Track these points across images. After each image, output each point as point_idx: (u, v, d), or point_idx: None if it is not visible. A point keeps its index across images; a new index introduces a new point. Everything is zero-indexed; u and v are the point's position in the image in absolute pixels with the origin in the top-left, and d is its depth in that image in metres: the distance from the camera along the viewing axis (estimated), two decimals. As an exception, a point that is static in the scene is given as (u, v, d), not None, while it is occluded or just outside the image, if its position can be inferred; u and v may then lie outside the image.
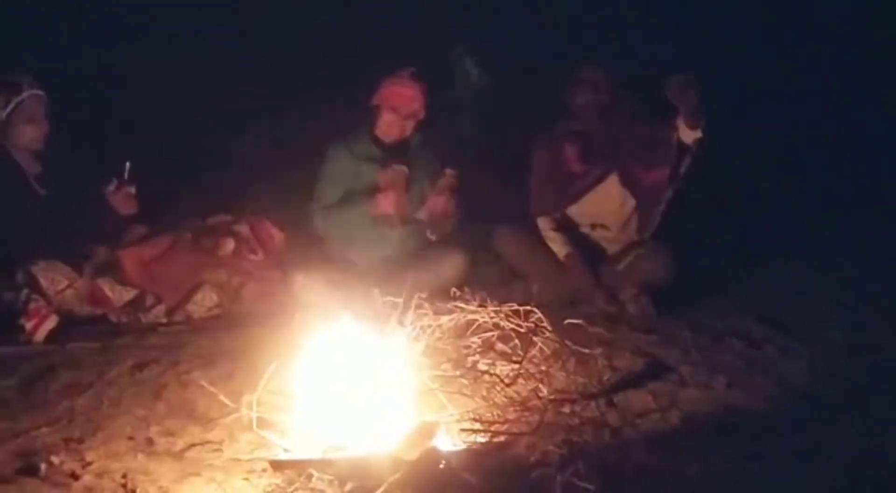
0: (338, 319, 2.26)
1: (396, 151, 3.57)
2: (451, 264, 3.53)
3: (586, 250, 3.61)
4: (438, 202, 3.44)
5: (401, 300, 2.28)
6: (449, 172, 3.44)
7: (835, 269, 3.92)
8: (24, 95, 3.33)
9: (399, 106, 3.51)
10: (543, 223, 3.65)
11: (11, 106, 3.32)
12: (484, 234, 3.67)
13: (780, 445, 2.16)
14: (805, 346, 2.94)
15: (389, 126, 3.54)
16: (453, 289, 2.51)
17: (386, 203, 3.44)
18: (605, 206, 3.62)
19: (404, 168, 3.45)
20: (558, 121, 3.71)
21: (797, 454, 2.12)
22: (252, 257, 3.71)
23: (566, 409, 2.28)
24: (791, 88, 4.96)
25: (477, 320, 2.35)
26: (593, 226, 3.68)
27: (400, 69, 3.54)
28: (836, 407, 2.41)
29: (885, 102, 4.84)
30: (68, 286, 3.30)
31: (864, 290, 3.64)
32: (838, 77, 5.02)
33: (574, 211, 3.67)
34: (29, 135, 3.37)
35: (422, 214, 3.49)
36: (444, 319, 2.31)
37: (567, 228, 3.65)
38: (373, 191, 3.49)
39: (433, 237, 3.54)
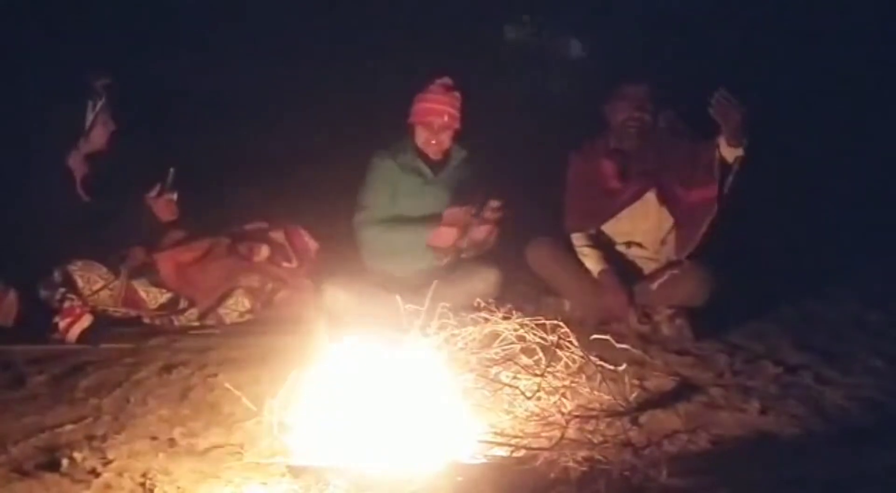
0: (364, 330, 2.26)
1: (441, 167, 3.56)
2: (484, 279, 3.51)
3: (621, 268, 3.55)
4: (481, 233, 3.44)
5: (425, 310, 2.26)
6: (493, 204, 3.41)
7: (878, 295, 3.79)
8: (105, 98, 3.39)
9: (431, 121, 3.52)
10: (578, 240, 3.60)
11: (97, 110, 3.38)
12: (518, 249, 3.64)
13: (811, 473, 2.08)
14: (842, 373, 2.84)
15: (426, 142, 3.56)
16: (478, 300, 2.48)
17: (446, 239, 3.45)
18: (642, 224, 3.56)
19: (472, 210, 3.44)
20: (597, 136, 3.67)
21: (829, 484, 2.03)
22: (286, 264, 3.74)
23: (589, 426, 2.22)
24: (845, 110, 4.86)
25: (501, 332, 2.31)
26: (629, 244, 3.62)
27: (432, 82, 3.54)
28: (872, 437, 2.32)
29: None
30: (104, 287, 3.36)
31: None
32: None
33: (609, 228, 3.62)
34: (101, 138, 3.43)
35: (464, 244, 3.50)
36: (468, 329, 2.27)
37: (602, 245, 3.60)
38: (429, 219, 3.50)
39: (467, 257, 3.55)
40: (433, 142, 3.55)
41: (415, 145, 3.60)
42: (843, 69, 4.93)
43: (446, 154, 3.61)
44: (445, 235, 3.45)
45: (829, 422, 2.44)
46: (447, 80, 3.54)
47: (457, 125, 3.54)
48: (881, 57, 4.88)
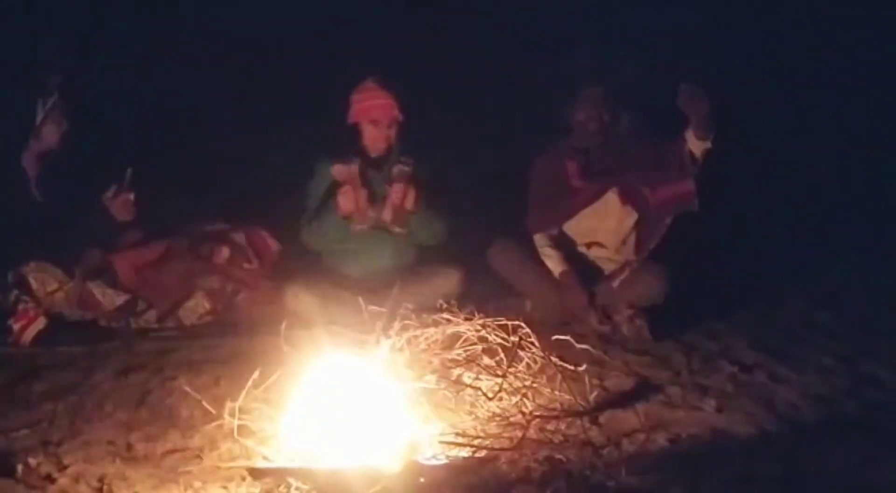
0: (325, 331, 2.25)
1: (380, 164, 3.56)
2: (446, 279, 3.51)
3: (582, 268, 3.59)
4: (396, 194, 3.43)
5: (386, 311, 2.27)
6: (402, 162, 3.43)
7: (827, 295, 3.89)
8: (56, 97, 3.33)
9: (378, 118, 3.50)
10: (540, 240, 3.63)
11: (48, 108, 3.32)
12: (480, 249, 3.66)
13: (765, 470, 2.13)
14: (795, 372, 2.90)
15: (375, 140, 3.53)
16: (440, 301, 2.49)
17: (345, 202, 3.42)
18: (603, 224, 3.61)
19: (354, 162, 3.43)
20: (560, 137, 3.71)
21: (782, 481, 2.08)
22: (247, 265, 3.71)
23: (550, 426, 2.24)
24: (796, 112, 4.96)
25: (463, 333, 2.32)
26: (590, 244, 3.66)
27: (363, 80, 3.53)
28: (824, 435, 2.38)
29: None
30: (58, 289, 3.30)
31: (859, 317, 3.61)
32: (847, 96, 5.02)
33: (571, 228, 3.66)
34: (53, 137, 3.37)
35: (385, 214, 3.47)
36: (430, 330, 2.28)
37: (564, 245, 3.64)
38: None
39: (399, 231, 3.51)
40: (381, 138, 3.54)
41: (357, 147, 3.56)
42: (788, 69, 5.04)
43: (389, 150, 3.59)
44: (344, 198, 3.41)
45: (782, 419, 2.49)
46: (379, 77, 3.53)
47: (401, 118, 3.53)
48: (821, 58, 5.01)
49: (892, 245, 4.47)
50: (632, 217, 3.56)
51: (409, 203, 3.46)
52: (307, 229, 3.55)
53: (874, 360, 3.02)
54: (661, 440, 2.31)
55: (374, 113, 3.48)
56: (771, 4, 5.03)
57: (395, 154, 3.56)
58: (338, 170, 3.45)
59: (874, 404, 2.63)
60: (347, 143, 3.56)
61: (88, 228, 3.46)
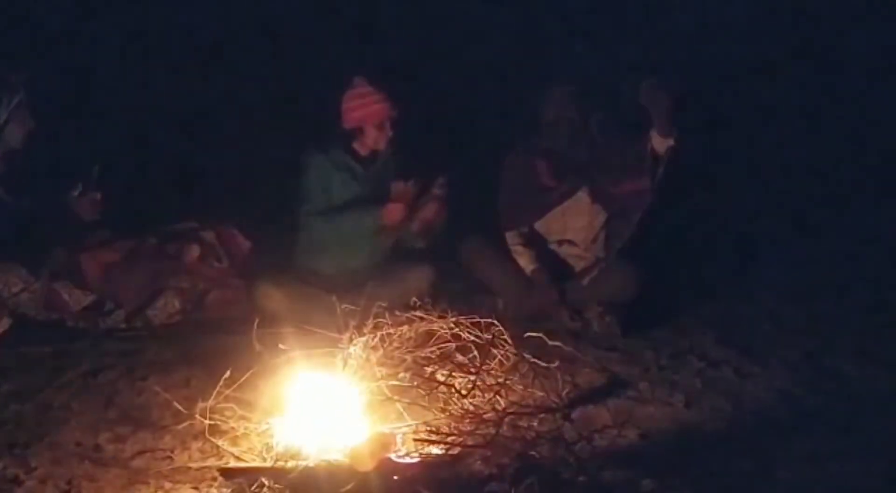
0: (297, 329, 2.24)
1: (371, 161, 3.56)
2: (418, 277, 3.51)
3: (553, 266, 3.62)
4: (430, 211, 3.45)
5: (359, 309, 2.27)
6: (440, 181, 3.44)
7: (792, 292, 3.96)
8: (22, 94, 3.27)
9: (382, 121, 3.51)
10: (511, 238, 3.65)
11: (12, 106, 3.25)
12: (451, 247, 3.66)
13: (733, 464, 2.17)
14: (761, 367, 2.95)
15: (378, 141, 3.54)
16: (413, 299, 2.49)
17: (395, 215, 3.45)
18: (574, 222, 3.63)
19: (418, 184, 3.45)
20: (531, 136, 3.73)
21: (751, 474, 2.12)
22: (217, 264, 3.66)
23: (523, 422, 2.26)
24: (767, 109, 5.04)
25: (436, 330, 2.33)
26: (561, 242, 3.68)
27: (353, 85, 3.53)
28: (790, 430, 2.42)
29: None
30: (23, 289, 3.23)
31: (826, 313, 3.68)
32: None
33: (542, 226, 3.68)
34: (17, 135, 3.30)
35: (415, 226, 3.49)
36: (403, 328, 2.29)
37: (535, 243, 3.66)
38: (373, 201, 3.48)
39: (420, 245, 3.55)
40: (383, 137, 3.54)
41: (346, 145, 3.56)
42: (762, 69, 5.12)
43: (377, 150, 3.59)
44: (394, 211, 3.44)
45: (749, 414, 2.54)
46: (365, 77, 3.53)
47: (396, 114, 3.54)
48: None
49: (860, 241, 4.56)
50: (602, 216, 3.59)
51: (440, 221, 3.48)
52: (315, 219, 3.52)
53: (839, 355, 3.08)
54: (631, 435, 2.34)
55: (377, 116, 3.48)
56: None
57: (385, 156, 3.58)
58: (396, 187, 3.46)
59: (838, 398, 2.68)
60: (333, 137, 3.56)
61: (54, 228, 3.40)
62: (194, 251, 3.63)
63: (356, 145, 3.56)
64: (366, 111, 3.50)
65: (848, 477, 2.12)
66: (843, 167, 5.06)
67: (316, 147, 3.57)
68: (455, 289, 3.69)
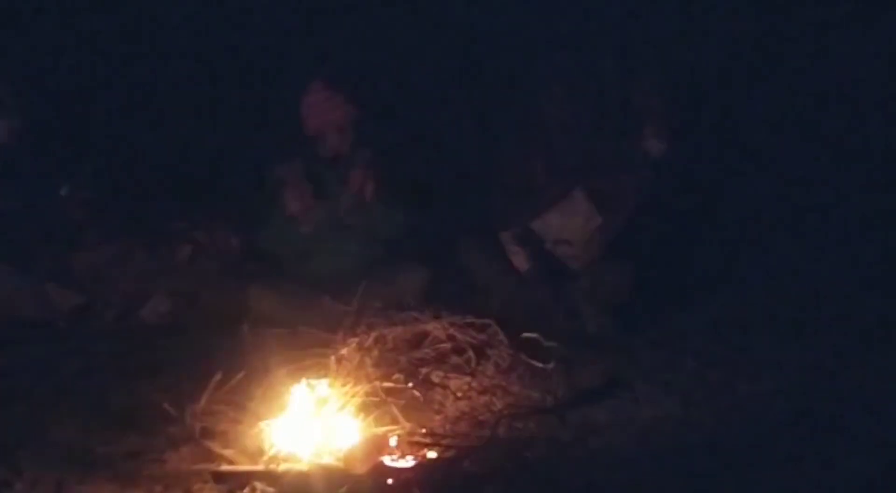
0: (289, 331, 2.22)
1: (335, 163, 3.54)
2: (410, 278, 3.48)
3: (549, 265, 3.61)
4: (355, 179, 3.41)
5: (353, 310, 2.25)
6: (363, 153, 3.42)
7: (797, 292, 3.95)
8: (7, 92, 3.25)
9: (344, 124, 3.49)
10: (507, 238, 3.63)
11: None
12: (446, 247, 3.65)
13: (730, 464, 2.15)
14: (761, 368, 2.94)
15: (341, 144, 3.51)
16: (407, 300, 2.48)
17: (291, 202, 3.39)
18: (570, 222, 3.62)
19: (296, 162, 3.41)
20: (524, 135, 3.72)
21: (747, 476, 2.11)
22: (208, 265, 3.65)
23: (518, 424, 2.24)
24: (765, 107, 5.03)
25: (431, 331, 2.31)
26: (557, 242, 3.67)
27: (312, 89, 3.49)
28: (788, 430, 2.41)
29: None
30: (14, 290, 3.21)
31: (826, 313, 3.67)
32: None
33: (538, 226, 3.67)
34: (3, 133, 3.28)
35: (342, 202, 3.44)
36: (398, 329, 2.27)
37: (530, 243, 3.65)
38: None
39: (355, 223, 3.48)
40: (346, 140, 3.51)
41: (313, 150, 3.53)
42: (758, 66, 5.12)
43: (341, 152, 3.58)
44: (291, 197, 3.37)
45: (744, 414, 2.53)
46: (325, 79, 3.50)
47: (357, 114, 3.52)
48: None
49: (860, 242, 4.55)
50: (597, 215, 3.58)
51: (368, 193, 3.43)
52: (261, 238, 3.51)
53: (834, 356, 3.07)
54: (627, 436, 2.33)
55: (337, 121, 3.46)
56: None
57: (352, 156, 3.55)
58: (280, 172, 3.40)
59: (833, 399, 2.67)
60: (298, 145, 3.53)
61: (44, 228, 3.38)
62: (185, 252, 3.62)
63: (320, 150, 3.53)
64: (326, 118, 3.47)
65: (843, 477, 2.11)
66: (841, 167, 5.05)
67: (274, 162, 3.52)
68: (450, 290, 3.67)
